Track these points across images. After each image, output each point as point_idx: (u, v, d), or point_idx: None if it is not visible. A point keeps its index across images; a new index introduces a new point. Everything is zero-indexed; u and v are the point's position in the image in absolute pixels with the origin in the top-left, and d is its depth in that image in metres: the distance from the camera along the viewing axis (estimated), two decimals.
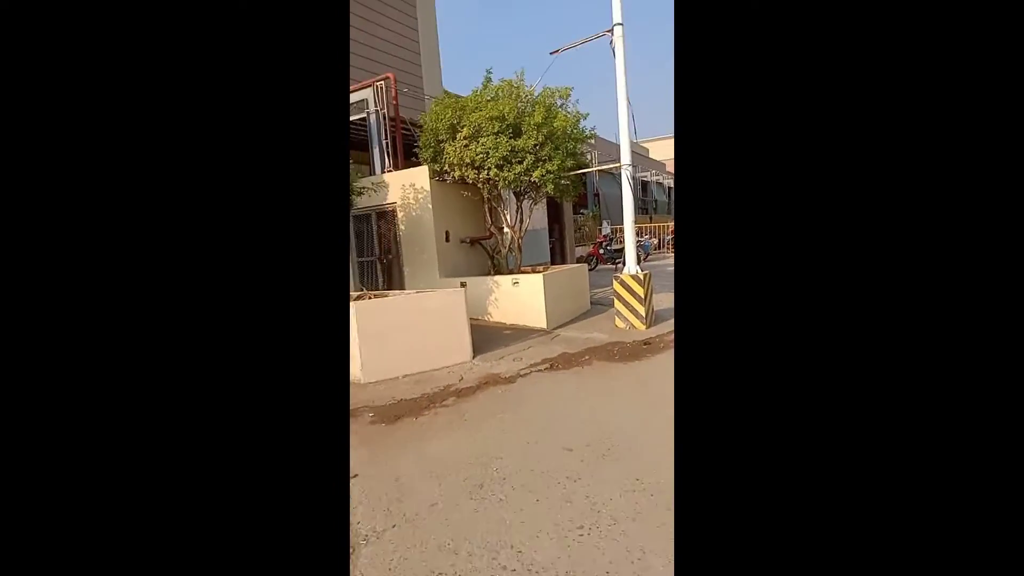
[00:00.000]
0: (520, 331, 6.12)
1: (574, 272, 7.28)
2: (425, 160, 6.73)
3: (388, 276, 7.52)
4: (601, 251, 12.94)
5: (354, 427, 3.54)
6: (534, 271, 7.25)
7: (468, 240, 7.27)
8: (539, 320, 6.22)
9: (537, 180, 6.13)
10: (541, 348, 5.37)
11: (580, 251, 13.46)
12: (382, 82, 7.99)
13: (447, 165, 6.32)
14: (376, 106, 7.98)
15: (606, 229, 14.07)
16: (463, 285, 6.61)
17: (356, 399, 4.11)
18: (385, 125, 7.92)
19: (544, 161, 6.17)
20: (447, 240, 6.99)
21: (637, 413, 3.43)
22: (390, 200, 7.26)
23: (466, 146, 6.08)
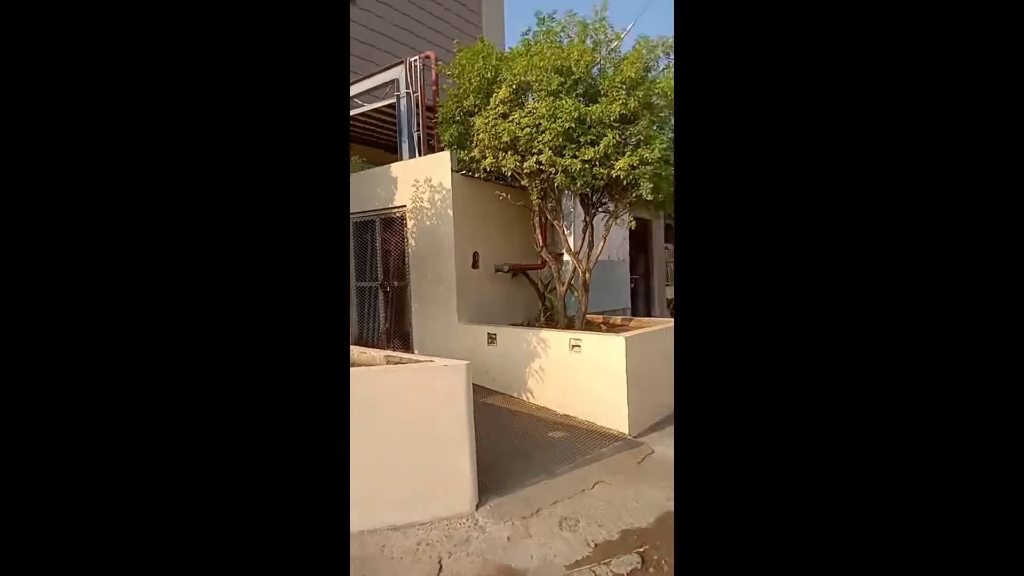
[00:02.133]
0: (580, 434, 3.46)
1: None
2: (446, 143, 4.38)
3: (395, 312, 5.14)
4: None
5: None
6: (607, 325, 4.58)
7: (507, 269, 4.76)
8: (616, 417, 3.47)
9: (622, 175, 3.55)
10: (617, 490, 2.68)
11: (671, 293, 10.49)
12: (419, 59, 5.94)
13: (476, 149, 3.91)
14: (408, 88, 5.91)
15: None
16: (491, 340, 4.10)
17: None
18: (419, 114, 5.80)
19: (636, 145, 3.61)
20: (474, 266, 4.51)
21: None
22: (398, 202, 4.92)
23: (504, 115, 3.66)
